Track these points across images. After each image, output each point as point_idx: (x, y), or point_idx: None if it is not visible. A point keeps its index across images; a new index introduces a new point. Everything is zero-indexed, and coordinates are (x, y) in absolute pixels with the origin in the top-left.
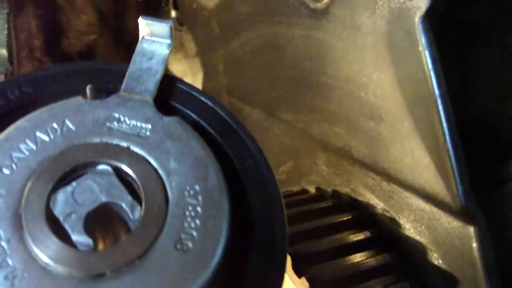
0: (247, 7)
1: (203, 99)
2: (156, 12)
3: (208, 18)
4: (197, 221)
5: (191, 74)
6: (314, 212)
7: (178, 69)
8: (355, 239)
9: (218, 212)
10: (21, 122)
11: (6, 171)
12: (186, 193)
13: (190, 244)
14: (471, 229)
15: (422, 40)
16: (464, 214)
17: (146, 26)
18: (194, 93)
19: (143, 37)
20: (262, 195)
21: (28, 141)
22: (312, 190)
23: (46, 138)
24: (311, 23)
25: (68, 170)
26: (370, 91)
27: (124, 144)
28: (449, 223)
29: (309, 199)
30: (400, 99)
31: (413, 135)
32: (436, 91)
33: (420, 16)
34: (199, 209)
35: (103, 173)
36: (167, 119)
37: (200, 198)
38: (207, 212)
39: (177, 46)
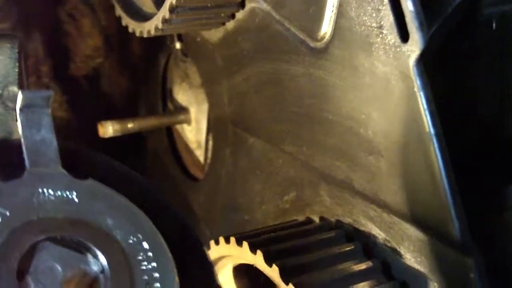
0: (249, 44)
1: (98, 158)
2: (161, 42)
3: (212, 51)
4: (153, 263)
5: (196, 105)
6: (317, 243)
7: (184, 99)
8: (358, 269)
9: (165, 251)
10: None
11: None
12: (132, 242)
13: (158, 284)
14: (468, 261)
15: (417, 82)
16: (461, 247)
17: (24, 99)
18: (89, 153)
19: (21, 110)
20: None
21: None
22: (316, 219)
23: None
24: (311, 61)
25: (23, 255)
26: (369, 128)
27: (61, 215)
28: (447, 254)
29: (312, 230)
30: (397, 136)
31: (410, 171)
32: (432, 130)
33: (414, 59)
34: (150, 253)
35: (53, 248)
36: (86, 183)
37: (145, 243)
38: (157, 253)
39: (182, 76)
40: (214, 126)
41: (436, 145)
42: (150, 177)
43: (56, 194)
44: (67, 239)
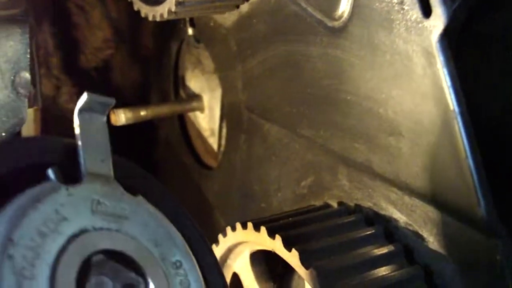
0: (265, 26)
1: (143, 173)
2: (172, 29)
3: (225, 36)
4: (188, 279)
5: (209, 91)
6: (337, 227)
7: (196, 86)
8: (379, 253)
9: (197, 272)
10: (20, 221)
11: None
12: (171, 260)
13: None
14: (495, 243)
15: (440, 58)
16: (487, 228)
17: (87, 101)
18: (135, 168)
19: (80, 111)
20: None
21: (34, 238)
22: (334, 204)
23: (46, 231)
24: (329, 41)
25: (80, 266)
26: (389, 108)
27: (113, 227)
28: (473, 236)
29: (332, 214)
30: (419, 115)
31: (433, 151)
32: (456, 108)
33: (437, 35)
34: (183, 270)
35: (108, 263)
36: (136, 198)
37: (183, 262)
38: (191, 272)
39: (194, 62)
40: (228, 113)
41: (460, 123)
42: (162, 166)
43: (110, 205)
44: (118, 253)
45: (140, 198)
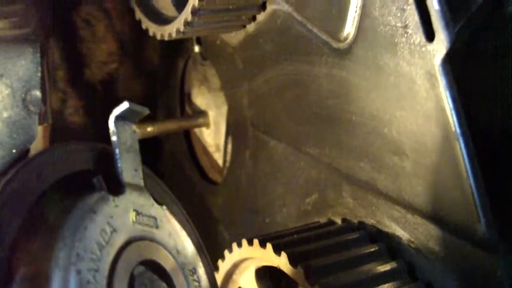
0: (271, 45)
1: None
2: (178, 46)
3: (232, 54)
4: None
5: (215, 108)
6: (341, 244)
7: (202, 102)
8: (382, 270)
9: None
10: (82, 234)
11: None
12: (189, 271)
13: None
14: (495, 259)
15: (442, 81)
16: (487, 245)
17: (125, 110)
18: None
19: (117, 118)
20: None
21: (94, 250)
22: (338, 221)
23: (103, 243)
24: (334, 62)
25: (130, 276)
26: (393, 128)
27: (148, 237)
28: (473, 253)
29: (336, 231)
30: (422, 136)
31: (436, 170)
32: (458, 130)
33: (440, 58)
34: (201, 284)
35: (149, 274)
36: (163, 210)
37: (198, 273)
38: (204, 282)
39: (201, 79)
40: (233, 129)
41: (462, 144)
42: (167, 180)
43: (145, 216)
44: (153, 263)
45: (164, 207)
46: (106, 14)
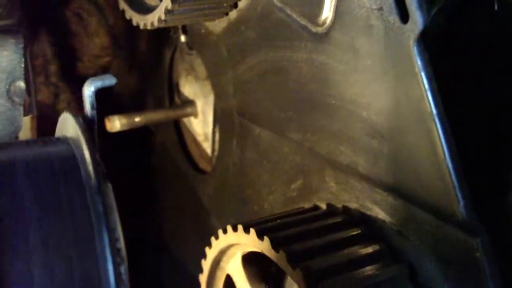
0: (253, 32)
1: None
2: (166, 37)
3: (216, 42)
4: None
5: (202, 97)
6: (324, 228)
7: (190, 92)
8: (365, 252)
9: None
10: None
11: None
12: None
13: None
14: (474, 241)
15: (417, 62)
16: (466, 226)
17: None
18: None
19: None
20: None
21: None
22: (323, 206)
23: None
24: (313, 46)
25: None
26: (372, 111)
27: None
28: (453, 235)
29: (319, 216)
30: (399, 118)
31: (414, 152)
32: (434, 110)
33: (414, 39)
34: None
35: None
36: None
37: None
38: None
39: (188, 69)
40: (220, 118)
41: (438, 125)
42: (158, 171)
43: None
44: None
45: None
46: (98, 8)
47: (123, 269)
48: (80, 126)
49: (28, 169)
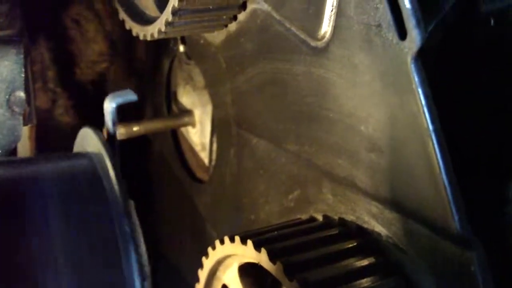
0: (251, 45)
1: None
2: (165, 46)
3: (215, 53)
4: None
5: (200, 107)
6: (321, 240)
7: (188, 101)
8: (361, 265)
9: None
10: None
11: None
12: None
13: None
14: (469, 255)
15: (415, 78)
16: (461, 240)
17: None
18: None
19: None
20: None
21: None
22: (319, 217)
23: None
24: (312, 60)
25: None
26: (370, 125)
27: None
28: (448, 248)
29: (316, 227)
30: (397, 133)
31: (410, 167)
32: (430, 126)
33: (412, 55)
34: None
35: None
36: None
37: None
38: None
39: (186, 78)
40: (218, 128)
41: (435, 140)
42: (155, 180)
43: None
44: None
45: None
46: (96, 14)
47: (146, 284)
48: (103, 143)
49: (59, 195)
